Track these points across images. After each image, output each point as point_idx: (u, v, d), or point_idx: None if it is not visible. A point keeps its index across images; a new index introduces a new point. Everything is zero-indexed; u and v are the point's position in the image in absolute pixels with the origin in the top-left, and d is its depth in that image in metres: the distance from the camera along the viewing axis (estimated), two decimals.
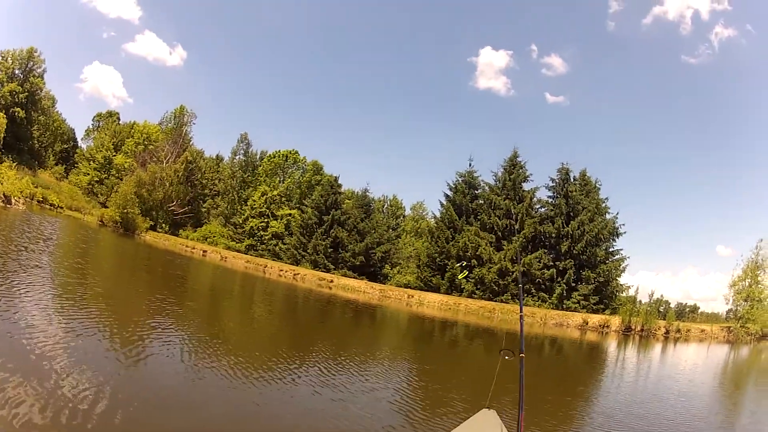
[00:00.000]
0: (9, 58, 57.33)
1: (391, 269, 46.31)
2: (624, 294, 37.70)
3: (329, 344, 13.38)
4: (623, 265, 38.81)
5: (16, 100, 56.06)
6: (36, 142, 63.47)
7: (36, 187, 46.89)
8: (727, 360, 25.11)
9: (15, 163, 48.68)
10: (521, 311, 5.23)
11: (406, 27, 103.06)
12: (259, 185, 54.49)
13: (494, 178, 43.53)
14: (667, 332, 31.38)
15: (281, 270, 42.61)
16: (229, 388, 7.28)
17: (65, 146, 68.72)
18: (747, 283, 33.39)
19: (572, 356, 20.74)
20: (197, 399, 6.67)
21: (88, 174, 61.21)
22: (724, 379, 17.79)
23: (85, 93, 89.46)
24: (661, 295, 41.31)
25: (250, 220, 52.96)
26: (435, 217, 46.90)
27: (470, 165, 44.90)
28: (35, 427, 4.64)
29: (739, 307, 33.31)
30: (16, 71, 58.16)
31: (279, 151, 56.85)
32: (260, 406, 6.92)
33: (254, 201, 53.28)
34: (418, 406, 8.25)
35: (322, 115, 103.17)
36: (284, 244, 50.29)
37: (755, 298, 32.57)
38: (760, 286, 33.18)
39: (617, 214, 40.04)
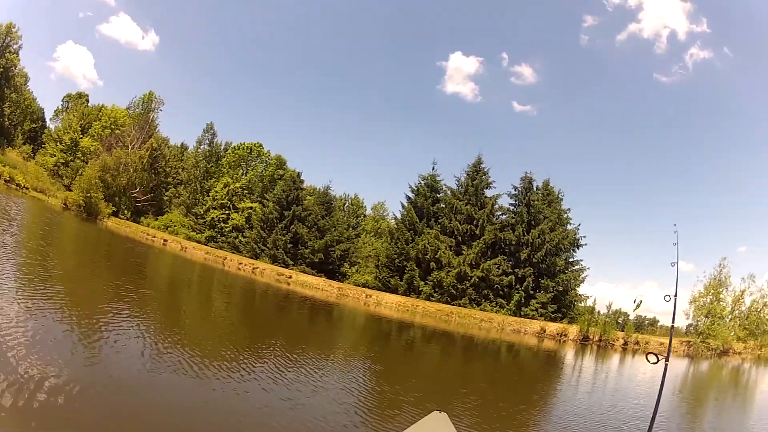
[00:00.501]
0: None
1: (350, 268, 43.18)
2: (582, 304, 34.93)
3: (284, 341, 12.38)
4: (583, 275, 37.06)
5: None
6: (6, 119, 58.24)
7: (4, 165, 42.72)
8: (686, 374, 22.85)
9: None
10: (673, 321, 5.31)
11: (377, 27, 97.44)
12: (222, 176, 50.60)
13: (457, 182, 41.59)
14: (626, 344, 29.10)
15: (240, 263, 39.57)
16: (178, 380, 6.73)
17: (34, 126, 63.14)
18: (708, 300, 30.88)
19: (528, 363, 19.53)
20: (145, 389, 6.15)
21: (55, 155, 56.50)
22: (684, 393, 16.09)
23: (57, 72, 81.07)
24: (620, 308, 38.78)
25: (212, 211, 48.98)
26: (396, 219, 44.21)
27: (433, 168, 42.70)
28: None
29: (699, 323, 30.87)
30: None
31: (243, 143, 53.03)
32: (209, 401, 6.31)
33: (216, 192, 49.38)
34: (369, 407, 7.73)
35: (289, 111, 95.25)
36: (244, 237, 46.73)
37: (717, 314, 30.09)
38: (722, 303, 30.76)
39: (579, 225, 38.48)
